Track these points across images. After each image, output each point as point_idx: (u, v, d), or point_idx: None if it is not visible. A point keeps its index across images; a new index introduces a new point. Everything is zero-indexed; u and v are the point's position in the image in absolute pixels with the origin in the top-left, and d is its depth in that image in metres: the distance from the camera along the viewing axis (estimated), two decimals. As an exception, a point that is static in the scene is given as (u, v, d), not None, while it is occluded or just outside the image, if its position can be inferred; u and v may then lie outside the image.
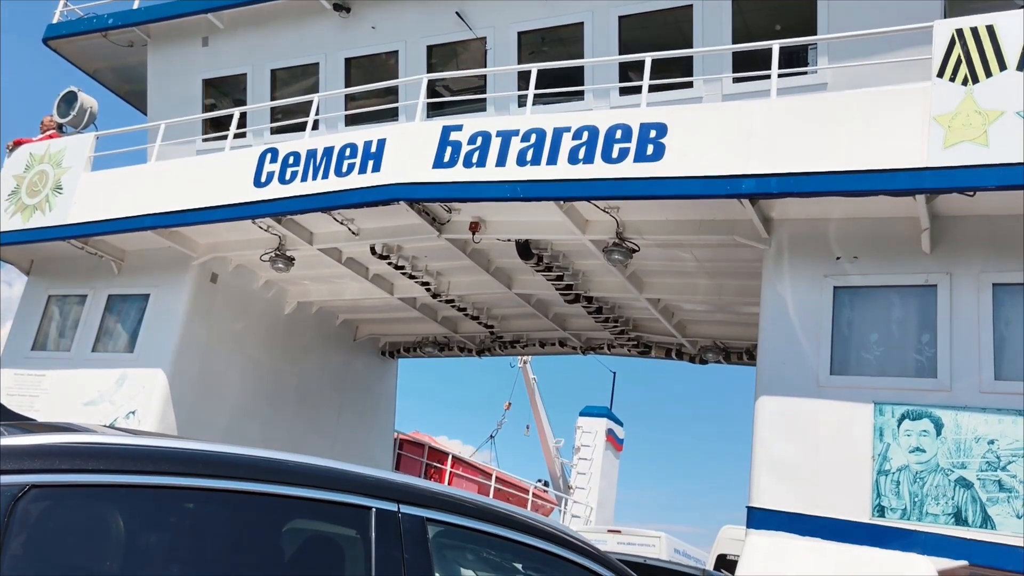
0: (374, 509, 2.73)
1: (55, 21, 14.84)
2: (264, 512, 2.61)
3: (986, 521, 7.46)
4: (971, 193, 7.88)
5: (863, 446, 8.09)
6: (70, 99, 13.78)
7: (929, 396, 8.02)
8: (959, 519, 7.55)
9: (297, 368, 14.38)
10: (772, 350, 8.90)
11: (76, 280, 13.24)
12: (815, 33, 10.05)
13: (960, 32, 7.84)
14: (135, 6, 14.39)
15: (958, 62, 7.78)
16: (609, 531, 19.65)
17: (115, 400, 11.89)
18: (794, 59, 10.38)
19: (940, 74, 7.85)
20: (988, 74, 7.65)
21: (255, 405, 13.41)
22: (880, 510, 7.86)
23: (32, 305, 13.51)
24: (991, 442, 7.63)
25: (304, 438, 14.12)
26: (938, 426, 7.87)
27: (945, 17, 9.30)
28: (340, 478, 2.78)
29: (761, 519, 8.33)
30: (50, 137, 13.55)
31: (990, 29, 7.73)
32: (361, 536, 2.71)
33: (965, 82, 7.72)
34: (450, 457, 22.57)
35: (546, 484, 29.89)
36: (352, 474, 2.83)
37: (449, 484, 21.43)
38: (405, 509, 2.80)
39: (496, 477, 24.68)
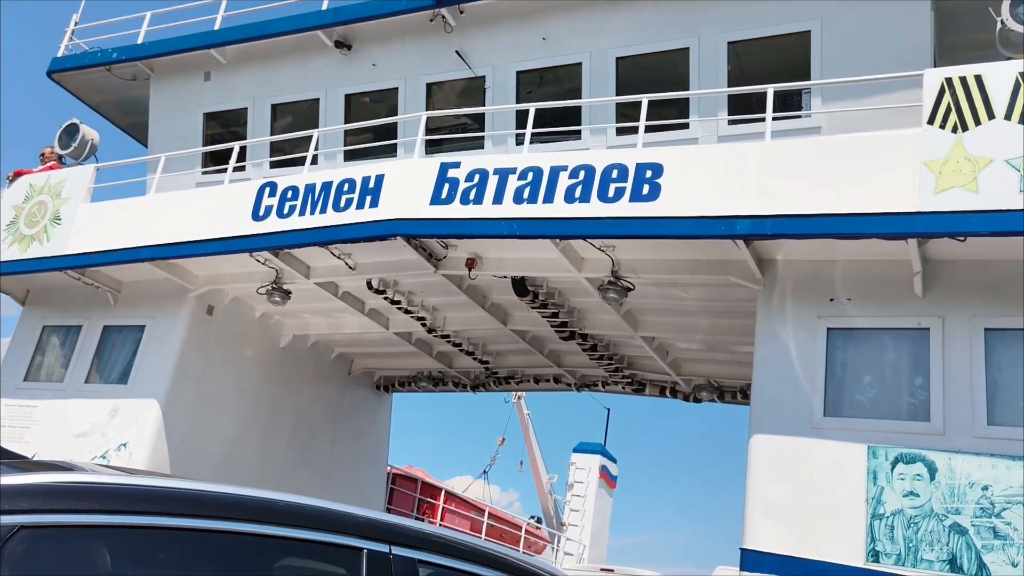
0: (366, 550, 2.73)
1: (60, 55, 15.00)
2: (255, 553, 2.61)
3: (981, 569, 7.42)
4: (962, 238, 7.96)
5: (857, 489, 8.07)
6: (72, 131, 13.89)
7: (923, 440, 8.02)
8: (954, 566, 7.51)
9: (291, 401, 14.33)
10: (766, 390, 8.91)
11: (71, 311, 13.24)
12: (809, 76, 10.21)
13: (950, 81, 7.98)
14: (139, 40, 14.55)
15: (948, 110, 7.90)
16: (602, 570, 19.47)
17: (107, 432, 11.83)
18: (788, 102, 10.53)
19: (930, 121, 7.97)
20: (977, 122, 7.77)
21: (249, 438, 13.34)
22: (875, 555, 7.82)
23: (26, 335, 13.48)
24: (985, 488, 7.61)
25: (297, 471, 14.04)
26: (932, 470, 7.86)
27: (935, 64, 9.48)
28: (331, 518, 2.78)
29: (755, 561, 8.28)
30: (50, 168, 13.63)
31: (979, 79, 7.87)
32: (352, 579, 2.71)
33: (955, 129, 7.84)
34: (443, 492, 22.40)
35: (539, 521, 29.65)
36: (344, 514, 2.83)
37: (442, 519, 21.26)
38: (397, 551, 2.81)
39: (489, 513, 24.47)
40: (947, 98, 7.93)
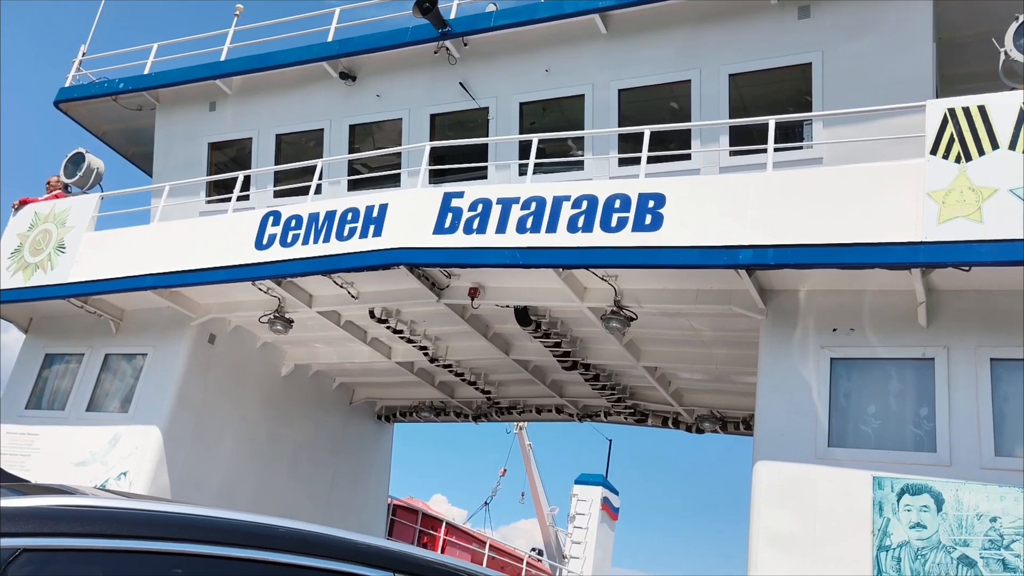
0: (367, 578, 2.69)
1: (67, 85, 15.15)
2: (255, 579, 2.57)
3: (989, 601, 7.32)
4: (966, 268, 7.96)
5: (863, 520, 7.98)
6: (77, 160, 13.97)
7: (929, 471, 7.95)
8: (962, 598, 7.40)
9: (292, 431, 14.26)
10: (769, 420, 8.86)
11: (74, 339, 13.23)
12: (810, 107, 10.27)
13: (952, 111, 8.02)
14: (146, 71, 14.70)
15: (951, 140, 7.94)
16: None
17: (107, 461, 11.76)
18: (790, 133, 10.59)
19: (934, 151, 7.99)
20: (981, 152, 7.80)
21: (249, 467, 13.26)
22: (881, 587, 7.71)
23: (28, 363, 13.46)
24: (993, 519, 7.53)
25: (297, 501, 13.93)
26: (939, 502, 7.78)
27: (937, 94, 9.54)
28: (332, 545, 2.75)
29: (760, 594, 8.17)
30: (56, 197, 13.70)
31: (982, 109, 7.91)
32: (354, 606, 2.67)
33: (958, 159, 7.87)
34: (444, 524, 22.21)
35: (540, 553, 29.35)
36: (345, 541, 2.80)
37: (442, 552, 21.05)
38: (398, 579, 2.76)
39: (490, 545, 24.24)
40: (950, 128, 7.97)
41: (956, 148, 7.88)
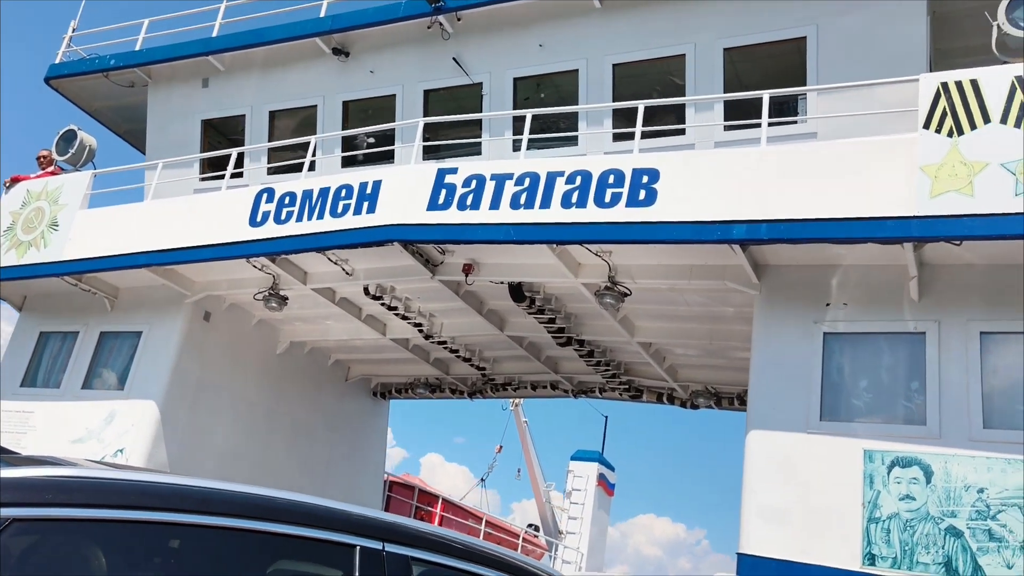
0: (359, 547, 2.72)
1: (58, 61, 15.03)
2: (247, 549, 2.60)
3: (977, 571, 7.41)
4: (957, 242, 7.98)
5: (853, 493, 8.06)
6: (69, 137, 13.89)
7: (918, 443, 8.02)
8: (950, 569, 7.50)
9: (288, 408, 14.31)
10: (762, 395, 8.91)
11: (69, 317, 13.22)
12: (804, 82, 10.24)
13: (945, 85, 8.00)
14: (137, 47, 14.58)
15: (943, 114, 7.93)
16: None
17: (103, 438, 11.80)
18: (784, 108, 10.56)
19: (926, 126, 7.99)
20: (973, 126, 7.79)
21: (245, 445, 13.31)
22: (871, 558, 7.81)
23: (23, 341, 13.46)
24: (981, 491, 7.61)
25: (293, 478, 14.00)
26: (928, 474, 7.86)
27: (931, 69, 9.51)
28: (325, 515, 2.78)
29: (752, 566, 8.26)
30: (50, 174, 13.64)
31: (974, 83, 7.90)
32: (345, 575, 2.70)
33: (951, 134, 7.86)
34: (440, 500, 22.36)
35: (536, 529, 29.58)
36: (338, 512, 2.83)
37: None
38: (390, 548, 2.80)
39: (486, 521, 24.42)
40: (943, 102, 7.96)
41: (948, 122, 7.88)
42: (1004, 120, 7.68)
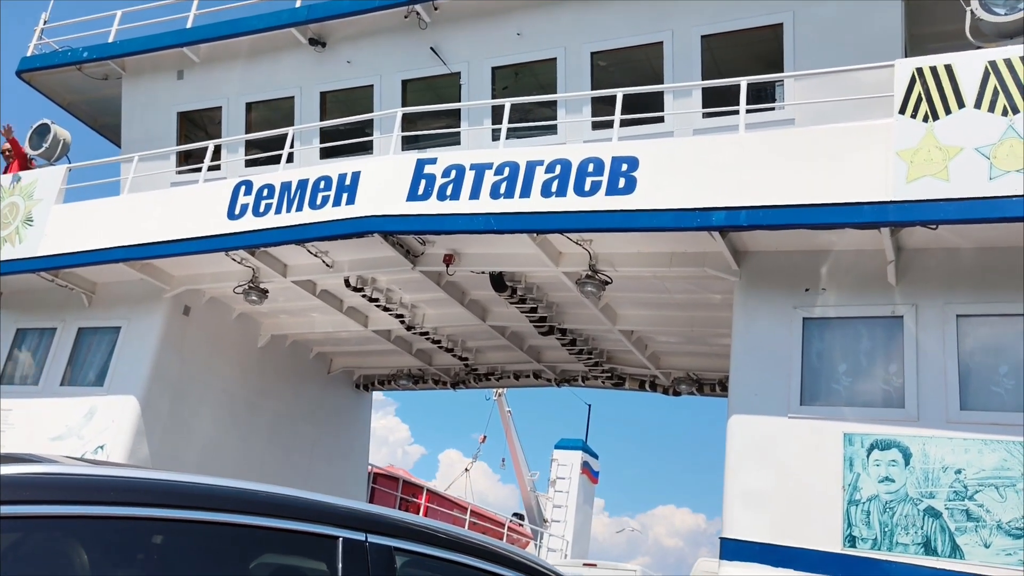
0: (341, 539, 2.72)
1: (29, 54, 14.82)
2: (230, 542, 2.59)
3: (955, 551, 7.53)
4: (933, 226, 8.06)
5: (834, 476, 8.15)
6: (43, 131, 13.72)
7: (897, 426, 8.11)
8: (928, 549, 7.61)
9: (270, 401, 14.26)
10: (743, 381, 8.98)
11: (46, 313, 13.09)
12: (782, 68, 10.28)
13: (920, 71, 8.07)
14: (110, 39, 14.40)
15: (919, 100, 7.99)
16: (584, 564, 19.53)
17: (83, 434, 11.71)
18: (762, 95, 10.60)
19: (902, 111, 8.05)
20: (948, 111, 7.87)
21: (227, 439, 13.26)
22: (851, 540, 7.90)
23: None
24: (958, 472, 7.72)
25: (276, 472, 13.96)
26: (906, 456, 7.96)
27: (906, 54, 9.58)
28: (307, 507, 2.77)
29: (734, 550, 8.34)
30: (17, 164, 13.45)
31: (948, 68, 7.97)
32: (328, 566, 2.70)
33: (926, 119, 7.93)
34: (425, 491, 22.39)
35: (521, 518, 29.68)
36: (320, 503, 2.83)
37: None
38: (373, 539, 2.80)
39: (471, 511, 24.48)
40: (918, 88, 8.02)
41: (924, 107, 7.95)
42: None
